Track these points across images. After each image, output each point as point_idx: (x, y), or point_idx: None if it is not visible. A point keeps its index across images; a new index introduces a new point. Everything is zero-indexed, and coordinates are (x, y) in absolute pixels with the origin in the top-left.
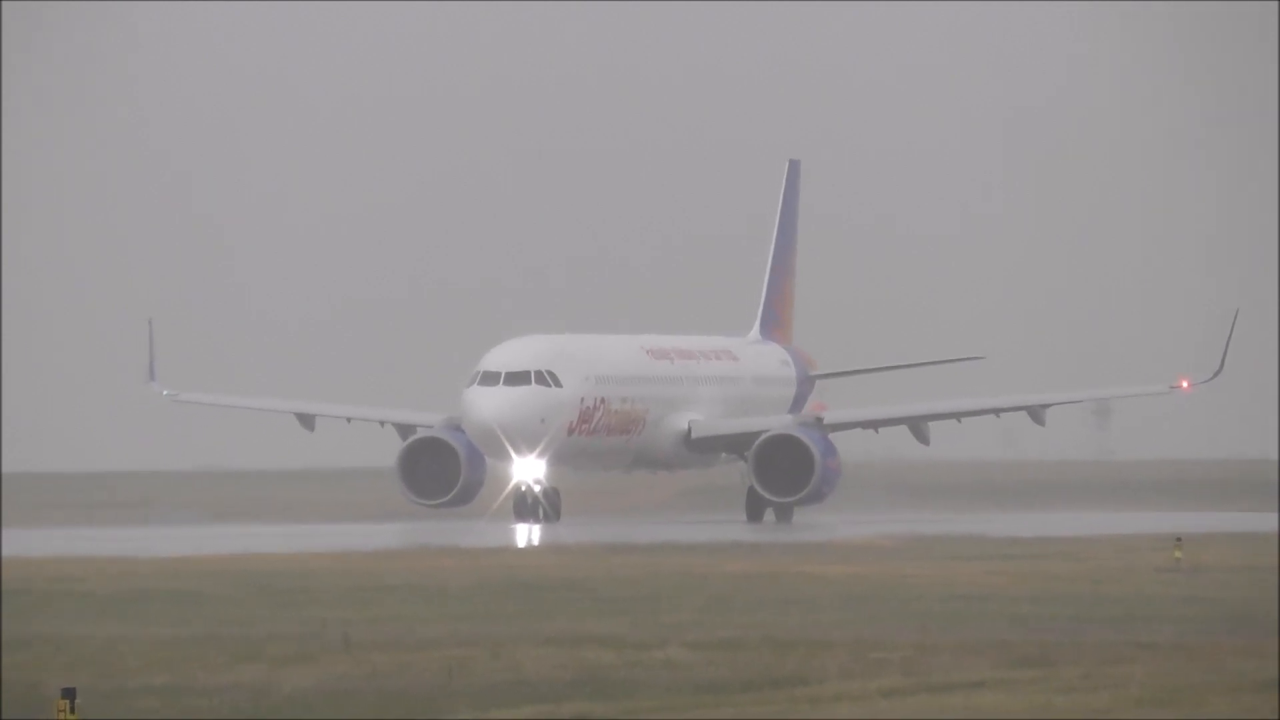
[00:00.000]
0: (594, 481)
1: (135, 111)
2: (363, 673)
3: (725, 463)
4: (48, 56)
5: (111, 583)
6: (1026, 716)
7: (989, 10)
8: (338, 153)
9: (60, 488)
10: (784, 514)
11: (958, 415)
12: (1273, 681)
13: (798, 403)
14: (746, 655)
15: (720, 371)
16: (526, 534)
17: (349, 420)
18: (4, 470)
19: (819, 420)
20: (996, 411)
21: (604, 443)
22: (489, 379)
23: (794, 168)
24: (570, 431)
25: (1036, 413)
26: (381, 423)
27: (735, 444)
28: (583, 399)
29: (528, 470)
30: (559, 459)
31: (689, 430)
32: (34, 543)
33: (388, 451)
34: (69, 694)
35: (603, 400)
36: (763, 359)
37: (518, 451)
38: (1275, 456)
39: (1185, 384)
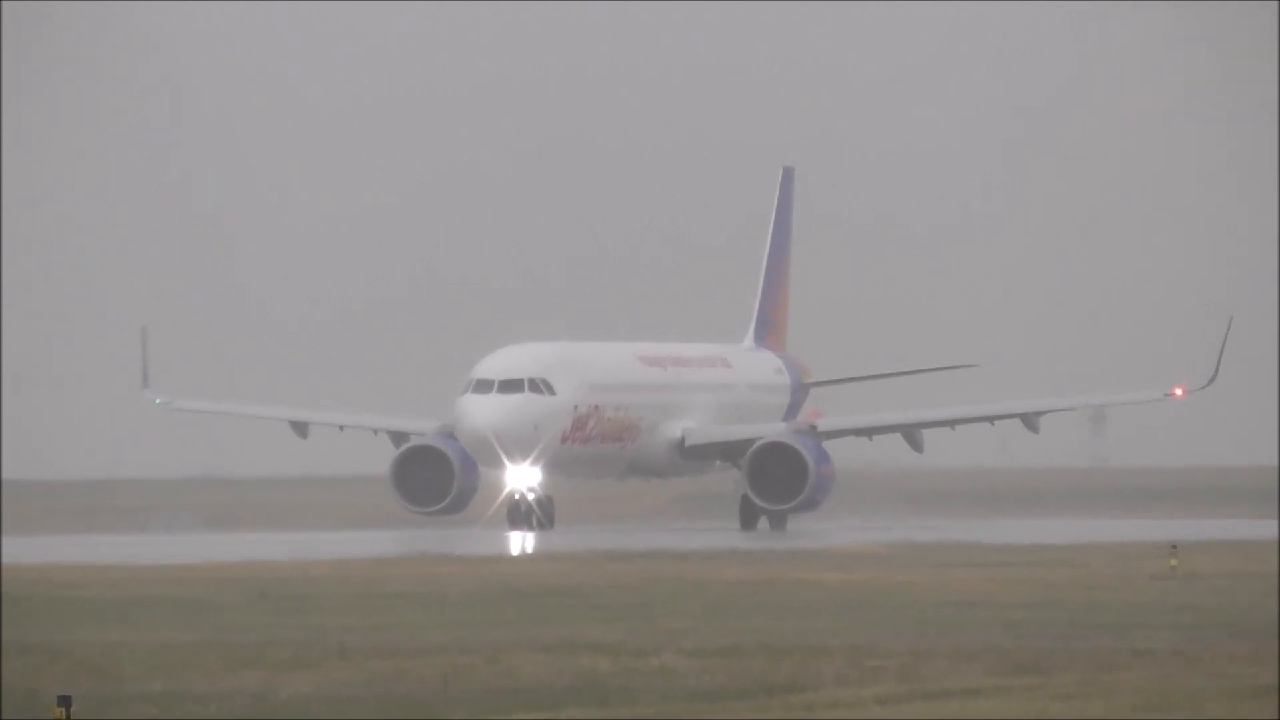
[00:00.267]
0: (587, 489)
1: (132, 115)
2: (361, 679)
3: (719, 470)
4: (43, 60)
5: (110, 589)
6: None
7: (983, 14)
8: (332, 160)
9: (56, 495)
10: (778, 521)
11: (952, 422)
12: (1268, 688)
13: (792, 410)
14: (742, 662)
15: (714, 379)
16: (520, 542)
17: (342, 428)
18: (3, 477)
19: (813, 428)
20: (990, 419)
21: (598, 450)
22: (483, 387)
23: (788, 174)
24: (564, 439)
25: (1030, 420)
26: (375, 430)
27: (729, 451)
28: (576, 407)
29: (521, 478)
30: (553, 467)
31: (683, 438)
32: (32, 549)
33: (382, 459)
34: (64, 701)
35: (596, 408)
36: (757, 366)
37: (511, 459)
38: (1270, 463)
39: (1180, 391)
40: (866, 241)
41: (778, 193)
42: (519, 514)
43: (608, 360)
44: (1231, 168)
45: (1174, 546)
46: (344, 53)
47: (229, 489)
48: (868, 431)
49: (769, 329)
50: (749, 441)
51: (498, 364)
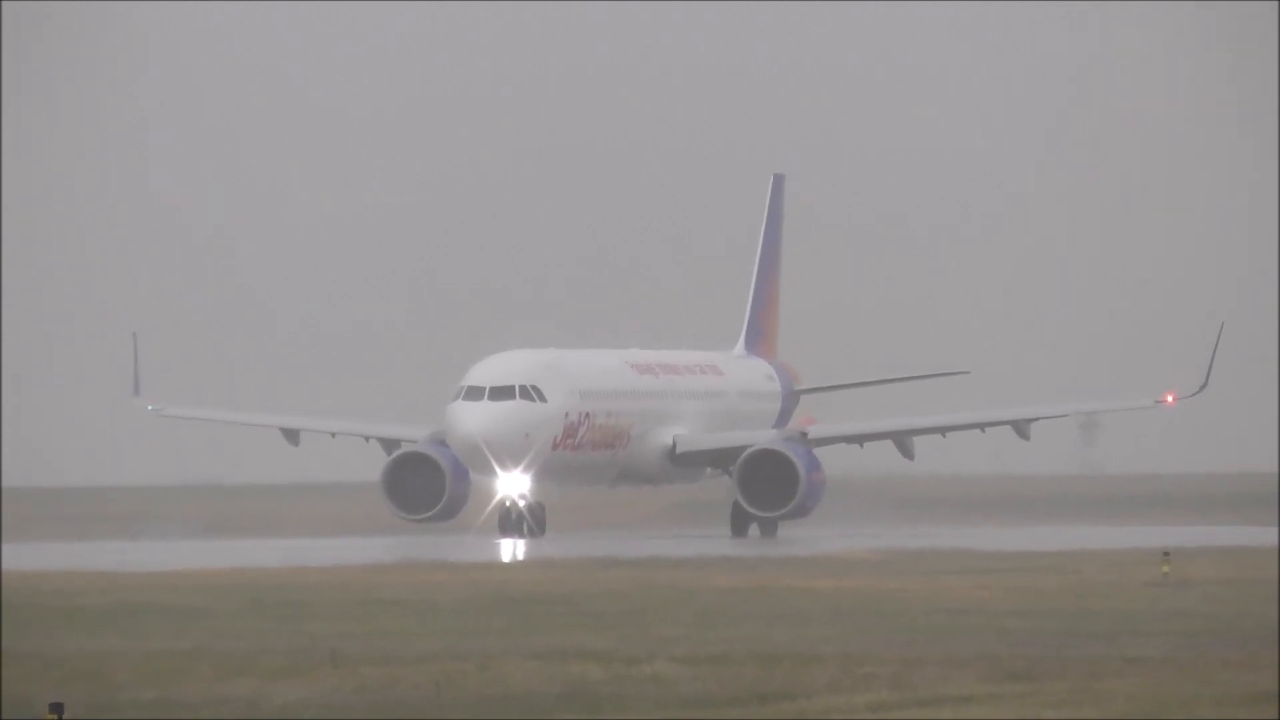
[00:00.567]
0: (578, 496)
1: (130, 121)
2: (353, 686)
3: (710, 478)
4: (40, 63)
5: (101, 596)
6: None
7: (979, 18)
8: (327, 167)
9: (48, 502)
10: (768, 529)
11: (942, 430)
12: (1262, 694)
13: (783, 417)
14: (734, 669)
15: (705, 386)
16: (512, 549)
17: (334, 435)
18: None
19: (803, 435)
20: (981, 426)
21: (588, 457)
22: (473, 394)
23: (779, 182)
24: (555, 446)
25: (1021, 427)
26: (366, 437)
27: (720, 459)
28: (567, 414)
29: (512, 485)
30: (544, 474)
31: (673, 445)
32: (25, 557)
33: (373, 466)
34: (56, 709)
35: (587, 415)
36: (748, 373)
37: (502, 466)
38: (1261, 469)
39: (1170, 398)
40: (858, 248)
41: (769, 200)
42: (510, 521)
43: (599, 367)
44: (1226, 175)
45: (1167, 553)
46: (343, 59)
47: (220, 496)
48: (859, 439)
49: (760, 336)
50: (740, 449)
51: (489, 371)
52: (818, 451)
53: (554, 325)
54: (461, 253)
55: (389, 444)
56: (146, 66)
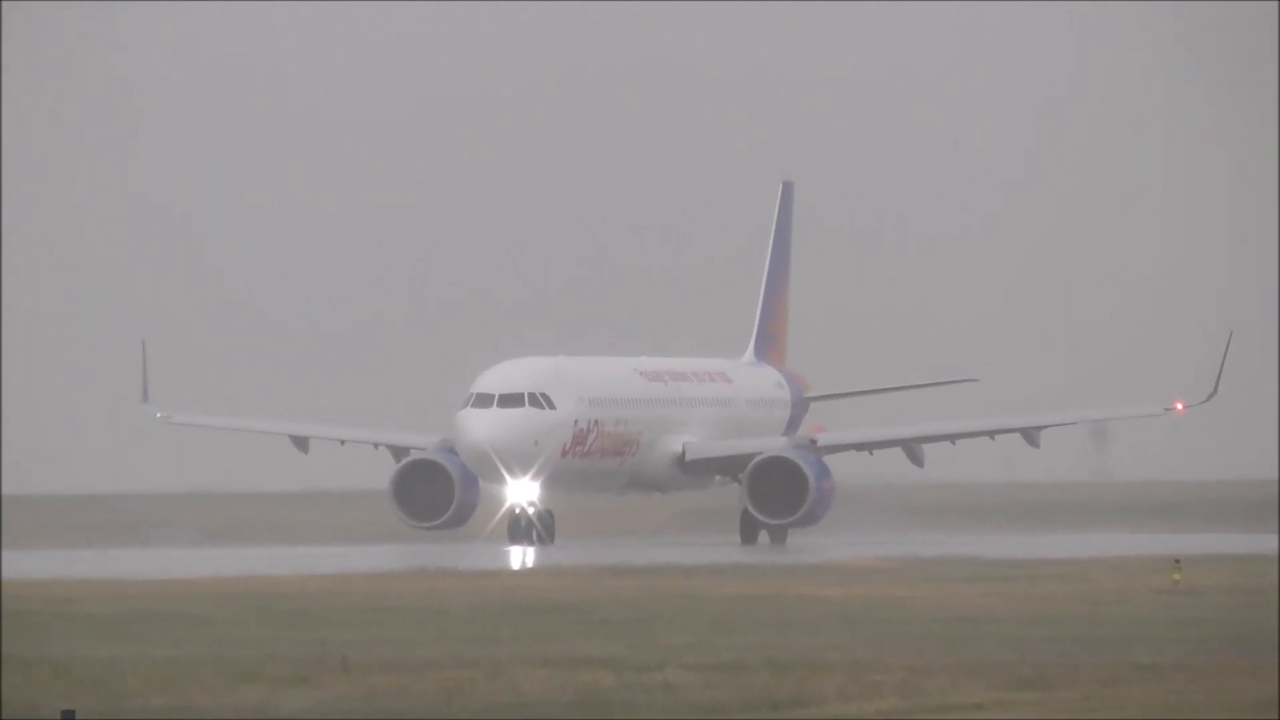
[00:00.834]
0: (587, 504)
1: (133, 128)
2: (362, 694)
3: (719, 485)
4: (41, 68)
5: (110, 604)
6: None
7: (982, 22)
8: (332, 174)
9: (56, 509)
10: (778, 536)
11: (952, 437)
12: (1271, 701)
13: (792, 425)
14: (745, 677)
15: (714, 394)
16: (521, 556)
17: (343, 442)
18: (3, 492)
19: (813, 442)
20: (990, 434)
21: (598, 465)
22: (483, 401)
23: (788, 189)
24: (564, 454)
25: (1030, 435)
26: (375, 445)
27: (729, 466)
28: (576, 421)
29: (522, 493)
30: (553, 481)
31: (683, 452)
32: (31, 564)
33: (382, 473)
34: (67, 716)
35: (596, 422)
36: (757, 381)
37: (511, 474)
38: (1272, 477)
39: (1180, 406)
40: (867, 256)
41: (778, 207)
42: (519, 529)
43: (608, 375)
44: (1233, 182)
45: (1177, 561)
46: (345, 65)
47: (229, 503)
48: (868, 446)
49: (769, 343)
50: (749, 456)
51: (497, 378)
52: (827, 459)
53: (562, 333)
54: (471, 260)
55: (398, 451)
56: (148, 70)
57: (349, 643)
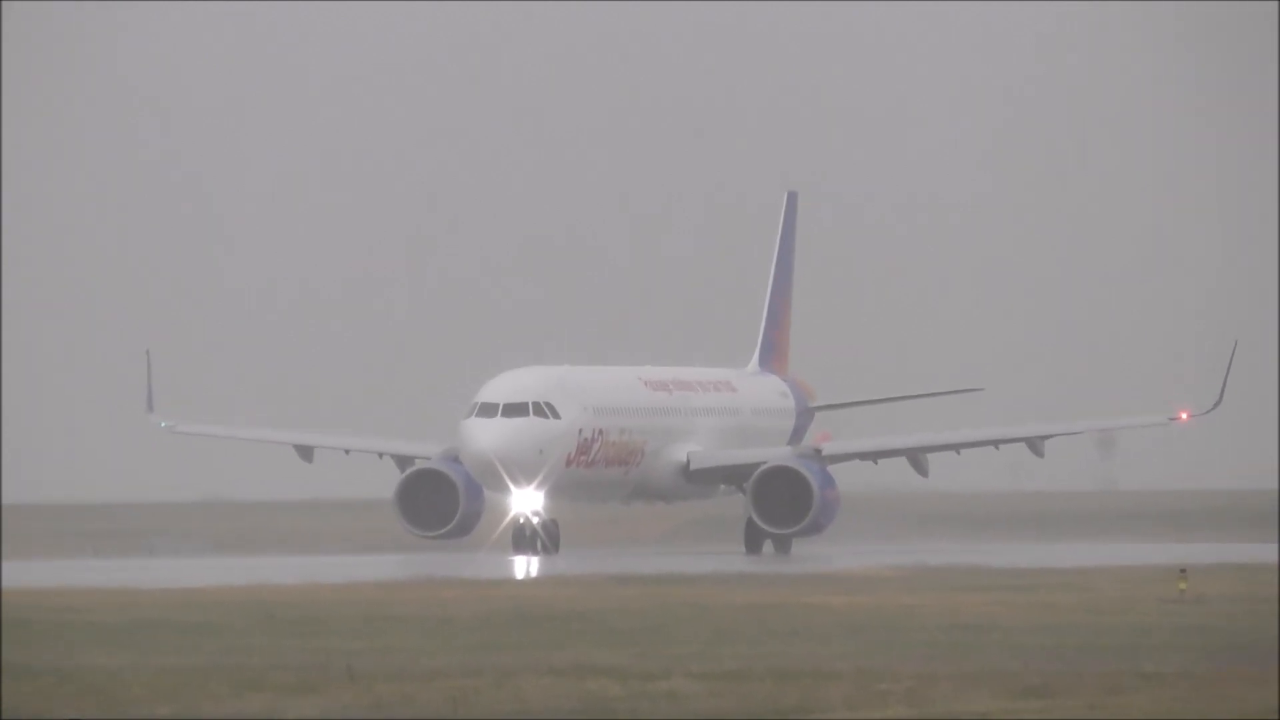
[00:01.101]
0: (591, 513)
1: (139, 134)
2: (368, 702)
3: (724, 494)
4: (43, 72)
5: (115, 613)
6: None
7: (988, 35)
8: (338, 183)
9: (61, 519)
10: (782, 545)
11: (956, 447)
12: (1276, 711)
13: (797, 434)
14: (751, 686)
15: (719, 403)
16: (526, 566)
17: (347, 452)
18: (6, 502)
19: (817, 451)
20: (995, 443)
21: (602, 474)
22: (487, 410)
23: (792, 199)
24: (568, 463)
25: (1035, 444)
26: (380, 454)
27: (734, 475)
28: (581, 430)
29: (526, 502)
30: (557, 490)
31: (687, 462)
32: (37, 574)
33: (386, 483)
34: None
35: (601, 432)
36: (761, 390)
37: (515, 483)
38: (1278, 487)
39: (1185, 415)
40: (871, 265)
41: (782, 217)
42: (524, 538)
43: (612, 384)
44: (1238, 192)
45: (1183, 570)
46: (350, 72)
47: (234, 513)
48: (872, 455)
49: (774, 353)
50: (754, 465)
51: (502, 387)
52: (832, 468)
53: (567, 341)
54: (475, 269)
55: (402, 461)
56: (151, 74)
57: (354, 651)
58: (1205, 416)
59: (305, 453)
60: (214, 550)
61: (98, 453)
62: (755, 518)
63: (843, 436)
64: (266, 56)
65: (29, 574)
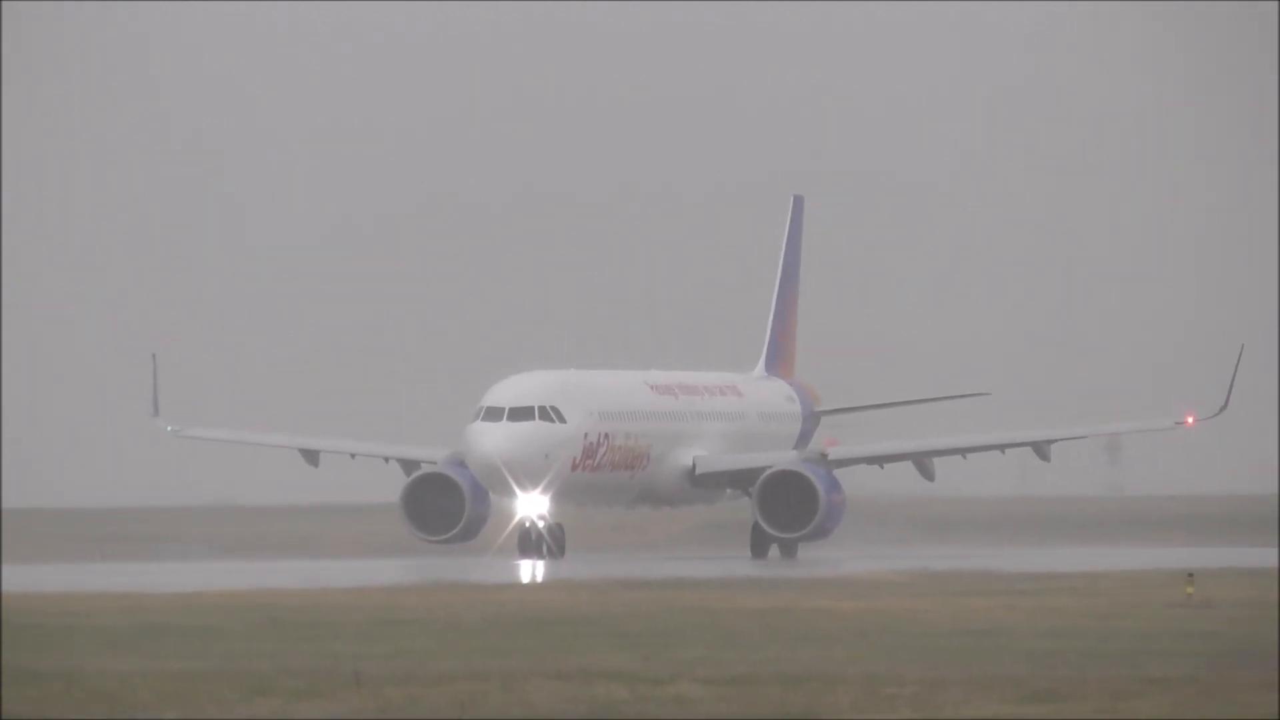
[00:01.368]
0: (597, 517)
1: (143, 135)
2: (375, 707)
3: (729, 499)
4: (44, 76)
5: (121, 617)
6: None
7: (991, 39)
8: (342, 184)
9: (67, 523)
10: (788, 550)
11: (962, 451)
12: None
13: (803, 438)
14: (758, 690)
15: (725, 407)
16: (532, 570)
17: (353, 456)
18: (9, 506)
19: (823, 456)
20: (1001, 447)
21: (608, 479)
22: (492, 414)
23: (798, 203)
24: (574, 467)
25: (1041, 449)
26: (386, 458)
27: (739, 480)
28: (586, 435)
29: (532, 506)
30: (563, 495)
31: (693, 466)
32: (43, 578)
33: (392, 487)
34: None
35: (607, 436)
36: (768, 394)
37: (521, 487)
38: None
39: (1190, 420)
40: (877, 269)
41: (788, 221)
42: (529, 542)
43: (618, 388)
44: (1242, 196)
45: (1190, 574)
46: (355, 79)
47: (240, 517)
48: (879, 460)
49: (780, 357)
50: (760, 470)
51: (507, 392)
52: (838, 473)
53: (573, 346)
54: (481, 272)
55: (408, 465)
56: (153, 79)
57: (362, 655)
58: (1211, 421)
59: (311, 457)
60: (219, 554)
61: (102, 457)
62: (761, 522)
63: (849, 441)
64: (266, 57)
65: (34, 578)
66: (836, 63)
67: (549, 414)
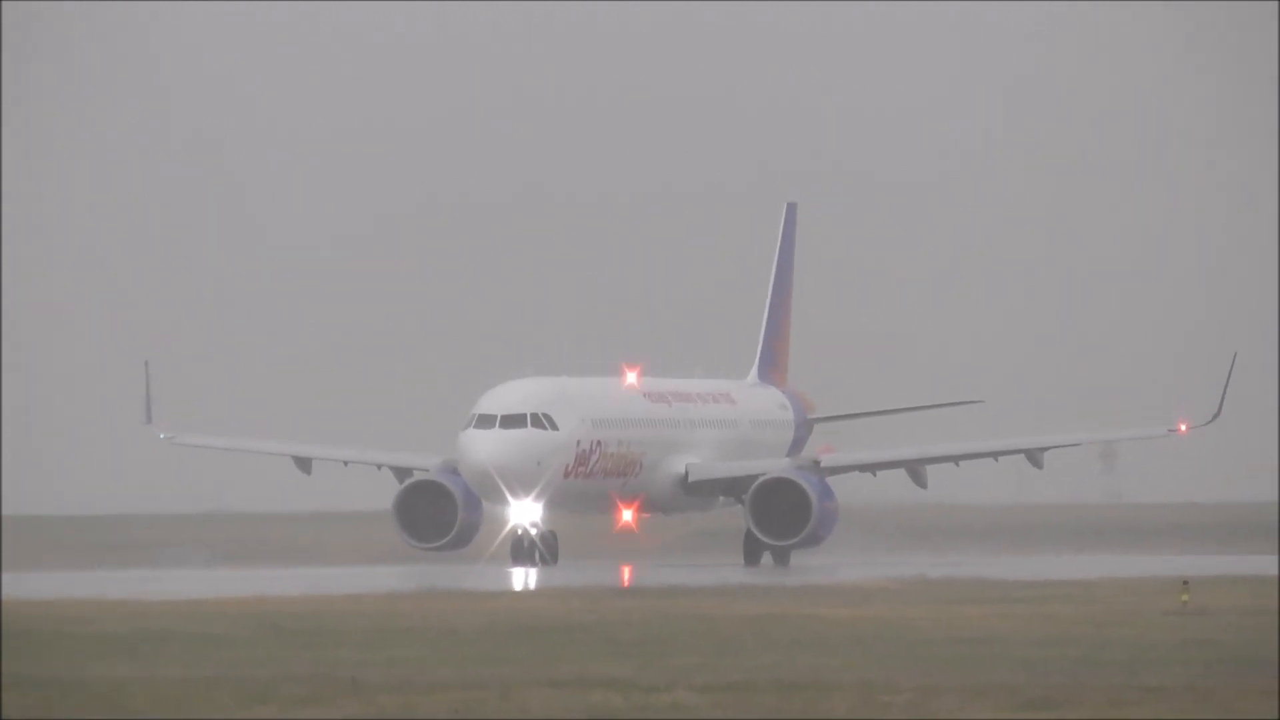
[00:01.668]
0: (589, 525)
1: (138, 144)
2: (373, 714)
3: (722, 506)
4: (43, 77)
5: (120, 624)
6: None
7: (987, 43)
8: (333, 192)
9: (62, 530)
10: (781, 557)
11: (955, 458)
12: None
13: (796, 446)
14: (754, 698)
15: (718, 415)
16: (525, 577)
17: (346, 463)
18: (6, 513)
19: (816, 463)
20: (994, 455)
21: (600, 486)
22: (485, 422)
23: (791, 210)
24: (567, 474)
25: (1034, 456)
26: (378, 466)
27: (732, 487)
28: (579, 442)
29: (524, 513)
30: (555, 502)
31: (686, 473)
32: (41, 585)
33: (385, 494)
34: None
35: (599, 443)
36: (761, 402)
37: (514, 495)
38: (1278, 499)
39: (1183, 427)
40: (870, 276)
41: (781, 228)
42: (522, 550)
43: (610, 395)
44: (1238, 202)
45: (1186, 582)
46: (352, 82)
47: (233, 524)
48: (872, 467)
49: (773, 364)
50: (752, 477)
51: (500, 399)
52: (831, 480)
53: (566, 353)
54: (473, 279)
55: (401, 472)
56: (150, 80)
57: (359, 663)
58: (1204, 428)
59: (304, 464)
60: (214, 562)
61: (97, 465)
62: (754, 529)
63: (842, 448)
64: (266, 58)
65: (31, 586)
66: (836, 63)
67: (541, 421)
